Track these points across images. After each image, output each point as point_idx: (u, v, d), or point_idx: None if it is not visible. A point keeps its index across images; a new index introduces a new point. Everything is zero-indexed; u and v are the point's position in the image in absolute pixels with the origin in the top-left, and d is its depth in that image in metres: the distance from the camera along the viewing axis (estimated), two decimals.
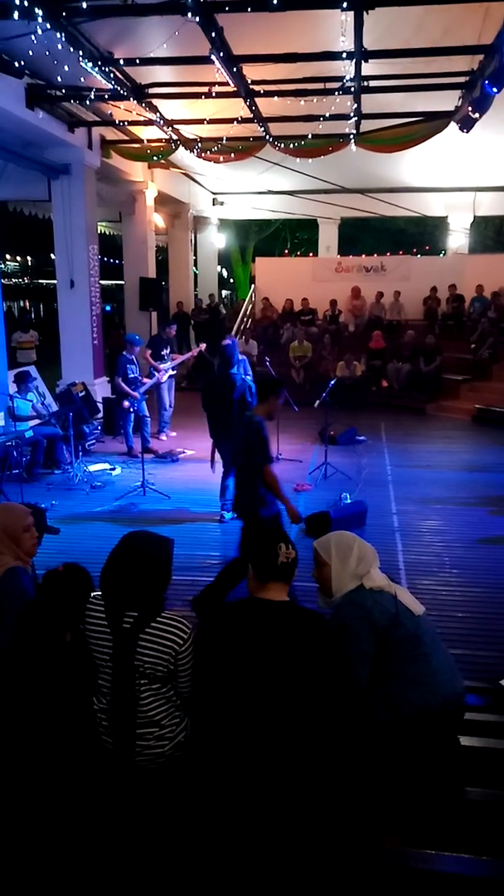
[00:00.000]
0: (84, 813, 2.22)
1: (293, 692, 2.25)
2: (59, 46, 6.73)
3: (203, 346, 10.38)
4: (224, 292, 28.54)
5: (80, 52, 7.00)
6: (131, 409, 8.66)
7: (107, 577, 2.40)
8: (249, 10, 6.03)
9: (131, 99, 8.62)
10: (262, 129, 9.91)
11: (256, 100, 8.77)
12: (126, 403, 8.64)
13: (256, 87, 8.39)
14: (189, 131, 10.53)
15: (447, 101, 8.91)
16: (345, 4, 5.98)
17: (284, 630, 2.32)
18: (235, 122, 9.59)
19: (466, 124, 8.75)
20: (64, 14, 6.17)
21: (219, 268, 21.18)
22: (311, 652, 2.30)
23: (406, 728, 2.44)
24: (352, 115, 9.22)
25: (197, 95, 8.69)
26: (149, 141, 11.06)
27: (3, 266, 32.56)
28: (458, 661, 2.68)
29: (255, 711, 2.24)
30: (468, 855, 2.15)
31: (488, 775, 2.52)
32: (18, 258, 36.30)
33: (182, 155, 11.67)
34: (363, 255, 16.90)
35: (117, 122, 10.15)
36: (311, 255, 21.06)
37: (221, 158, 11.01)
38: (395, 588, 2.61)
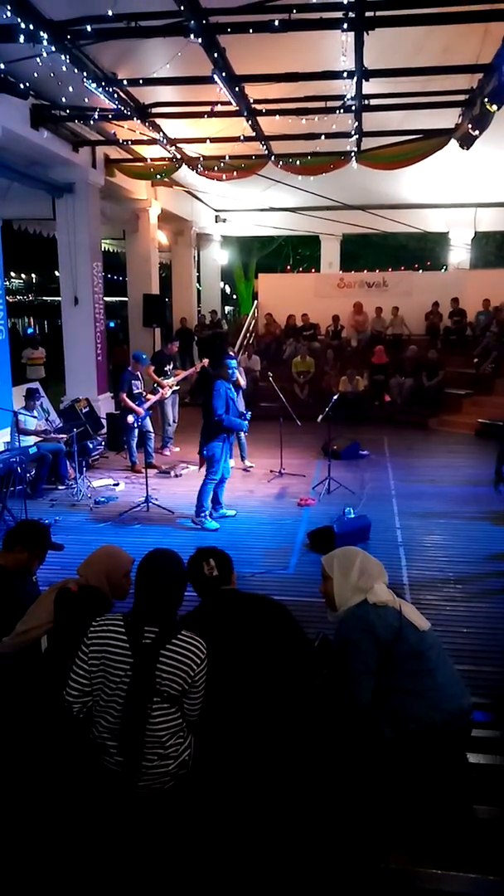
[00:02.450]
0: (87, 834, 2.20)
1: (261, 661, 2.48)
2: (64, 68, 6.83)
3: (206, 361, 10.41)
4: (227, 308, 28.68)
5: (85, 74, 7.11)
6: (135, 425, 8.69)
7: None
8: (251, 31, 6.12)
9: (135, 118, 8.74)
10: (265, 147, 10.03)
11: (258, 118, 8.88)
12: (130, 419, 8.67)
13: (258, 106, 8.49)
14: (192, 150, 10.67)
15: (447, 118, 9.01)
16: (345, 26, 6.05)
17: (240, 603, 2.70)
18: (238, 141, 9.68)
19: (466, 141, 8.83)
20: (69, 37, 6.27)
21: (221, 284, 21.31)
22: (268, 621, 2.63)
23: (411, 744, 2.42)
24: (353, 132, 9.32)
25: (199, 115, 8.79)
26: (152, 160, 11.18)
27: (8, 283, 32.76)
28: (464, 677, 2.66)
29: (236, 692, 2.35)
30: (475, 875, 2.12)
31: (495, 793, 2.49)
32: (23, 276, 36.57)
33: (185, 173, 11.80)
34: (365, 271, 16.98)
35: (121, 141, 10.28)
36: (313, 270, 21.17)
37: (224, 176, 11.15)
38: (401, 603, 2.60)
